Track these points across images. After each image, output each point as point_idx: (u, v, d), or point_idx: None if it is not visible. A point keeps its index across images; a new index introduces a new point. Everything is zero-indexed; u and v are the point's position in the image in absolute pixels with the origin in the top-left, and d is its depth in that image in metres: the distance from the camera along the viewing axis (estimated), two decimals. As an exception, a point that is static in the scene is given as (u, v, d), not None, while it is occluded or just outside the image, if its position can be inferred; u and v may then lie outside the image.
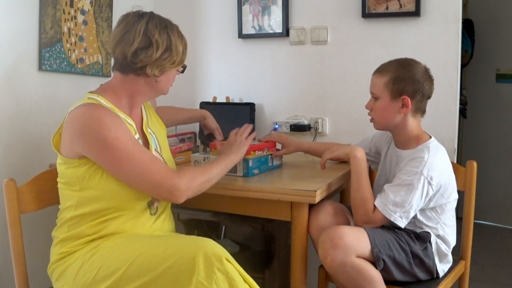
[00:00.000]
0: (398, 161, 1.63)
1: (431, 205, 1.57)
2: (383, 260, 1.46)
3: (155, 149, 1.51)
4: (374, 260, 1.46)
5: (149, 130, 1.54)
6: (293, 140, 1.94)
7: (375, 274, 1.45)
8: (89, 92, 1.45)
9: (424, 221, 1.58)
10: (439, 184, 1.54)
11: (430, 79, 1.61)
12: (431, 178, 1.51)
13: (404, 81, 1.56)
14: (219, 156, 1.55)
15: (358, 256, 1.43)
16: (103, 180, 1.35)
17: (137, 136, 1.45)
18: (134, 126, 1.46)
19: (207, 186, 1.43)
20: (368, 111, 1.68)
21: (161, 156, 1.53)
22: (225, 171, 1.51)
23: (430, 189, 1.52)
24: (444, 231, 1.60)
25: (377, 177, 1.80)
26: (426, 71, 1.61)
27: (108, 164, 1.32)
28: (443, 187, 1.56)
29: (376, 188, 1.74)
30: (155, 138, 1.55)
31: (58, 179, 1.44)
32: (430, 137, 1.62)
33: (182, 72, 1.53)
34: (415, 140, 1.61)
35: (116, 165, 1.31)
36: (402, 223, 1.51)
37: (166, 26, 1.42)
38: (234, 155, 1.57)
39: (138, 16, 1.41)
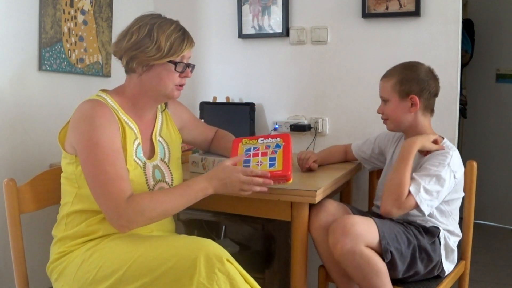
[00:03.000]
0: (417, 158, 1.66)
1: (447, 198, 1.61)
2: (391, 252, 1.48)
3: (161, 158, 1.50)
4: (381, 252, 1.48)
5: (159, 138, 1.53)
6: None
7: (382, 267, 1.47)
8: (101, 90, 1.46)
9: (438, 215, 1.62)
10: (458, 178, 1.62)
11: (435, 78, 1.68)
12: (456, 172, 1.59)
13: (410, 82, 1.64)
14: (196, 183, 1.36)
15: (367, 246, 1.46)
16: None
17: (137, 141, 1.44)
18: (136, 131, 1.44)
19: (162, 218, 1.36)
20: (370, 114, 1.74)
21: (167, 166, 1.51)
22: (193, 201, 1.36)
23: (454, 182, 1.59)
24: (453, 226, 1.66)
25: (382, 175, 1.83)
26: (430, 70, 1.69)
27: (82, 163, 1.33)
28: (459, 183, 1.64)
29: (380, 186, 1.79)
30: (165, 147, 1.54)
31: (61, 174, 1.46)
32: (443, 138, 1.69)
33: (182, 72, 1.44)
34: None
35: (86, 167, 1.32)
36: (427, 211, 1.55)
37: (155, 22, 1.38)
38: (213, 189, 1.37)
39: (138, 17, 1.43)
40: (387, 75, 1.70)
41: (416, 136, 1.62)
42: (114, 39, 1.45)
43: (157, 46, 1.36)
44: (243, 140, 1.55)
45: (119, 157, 1.33)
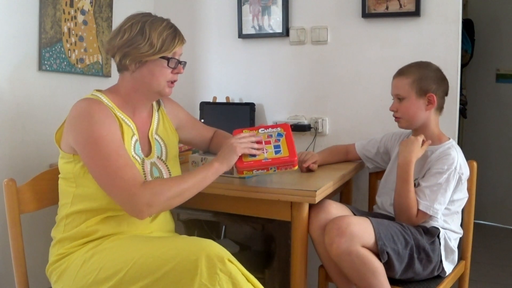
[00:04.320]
0: (424, 155, 1.68)
1: (452, 198, 1.63)
2: (387, 253, 1.48)
3: (158, 156, 1.51)
4: (378, 252, 1.48)
5: (156, 136, 1.53)
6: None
7: (379, 267, 1.47)
8: (95, 89, 1.47)
9: (443, 216, 1.63)
10: (465, 179, 1.66)
11: (445, 78, 1.72)
12: (462, 174, 1.63)
13: (428, 80, 1.67)
14: (202, 165, 1.46)
15: (363, 246, 1.46)
16: None
17: (135, 138, 1.45)
18: (134, 129, 1.45)
19: (179, 201, 1.35)
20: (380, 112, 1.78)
21: (165, 164, 1.52)
22: (206, 182, 1.39)
23: (460, 183, 1.64)
24: (456, 225, 1.67)
25: (386, 172, 1.85)
26: (440, 70, 1.72)
27: (86, 159, 1.33)
28: (464, 183, 1.67)
29: (383, 182, 1.83)
30: (162, 145, 1.54)
31: (59, 175, 1.46)
32: (449, 138, 1.72)
33: (174, 68, 1.44)
34: (438, 138, 1.71)
35: (92, 162, 1.32)
36: (441, 215, 1.61)
37: (147, 20, 1.41)
38: (218, 162, 1.41)
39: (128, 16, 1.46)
40: (403, 73, 1.70)
41: (406, 149, 1.63)
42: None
43: (149, 42, 1.39)
44: (244, 130, 1.58)
45: (122, 147, 1.35)
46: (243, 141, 1.46)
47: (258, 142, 1.51)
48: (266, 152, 1.48)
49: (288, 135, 1.54)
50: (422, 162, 1.67)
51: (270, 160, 1.46)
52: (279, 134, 1.55)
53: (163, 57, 1.42)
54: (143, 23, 1.40)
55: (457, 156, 1.63)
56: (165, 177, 1.49)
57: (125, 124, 1.43)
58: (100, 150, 1.30)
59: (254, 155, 1.46)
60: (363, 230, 1.48)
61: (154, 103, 1.58)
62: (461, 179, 1.63)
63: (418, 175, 1.66)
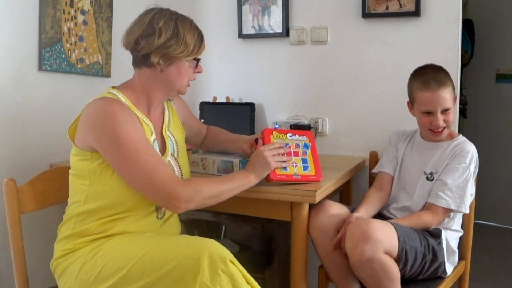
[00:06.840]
0: (437, 151, 1.69)
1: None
2: (406, 250, 1.46)
3: (171, 153, 1.50)
4: (395, 256, 1.46)
5: (168, 133, 1.53)
6: None
7: (396, 273, 1.45)
8: (111, 86, 1.46)
9: (452, 214, 1.65)
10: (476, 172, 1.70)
11: None
12: (476, 168, 1.67)
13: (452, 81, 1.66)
14: (238, 172, 1.49)
15: (385, 252, 1.43)
16: (114, 177, 1.35)
17: (153, 137, 1.44)
18: (151, 127, 1.45)
19: (214, 202, 1.38)
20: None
21: (177, 161, 1.51)
22: (240, 189, 1.44)
23: (475, 175, 1.68)
24: (457, 224, 1.68)
25: (395, 178, 1.79)
26: None
27: (115, 160, 1.32)
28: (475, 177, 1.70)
29: (394, 192, 1.78)
30: (174, 142, 1.54)
31: (70, 171, 1.45)
32: (458, 134, 1.75)
33: (196, 67, 1.48)
34: (450, 134, 1.72)
35: (122, 163, 1.31)
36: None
37: (177, 17, 1.42)
38: (255, 175, 1.46)
39: (150, 10, 1.44)
40: (442, 83, 1.60)
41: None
42: (134, 35, 1.41)
43: (184, 43, 1.40)
44: (274, 133, 1.59)
45: (150, 146, 1.36)
46: (275, 154, 1.50)
47: (287, 154, 1.55)
48: (296, 166, 1.54)
49: (313, 147, 1.62)
50: (438, 155, 1.67)
51: (300, 177, 1.54)
52: (306, 146, 1.61)
53: (195, 59, 1.45)
54: (174, 21, 1.40)
55: (474, 152, 1.66)
56: (176, 174, 1.49)
57: (144, 123, 1.42)
58: (130, 149, 1.29)
59: (285, 168, 1.52)
60: (386, 234, 1.44)
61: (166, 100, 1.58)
62: (474, 174, 1.66)
63: (437, 169, 1.66)
